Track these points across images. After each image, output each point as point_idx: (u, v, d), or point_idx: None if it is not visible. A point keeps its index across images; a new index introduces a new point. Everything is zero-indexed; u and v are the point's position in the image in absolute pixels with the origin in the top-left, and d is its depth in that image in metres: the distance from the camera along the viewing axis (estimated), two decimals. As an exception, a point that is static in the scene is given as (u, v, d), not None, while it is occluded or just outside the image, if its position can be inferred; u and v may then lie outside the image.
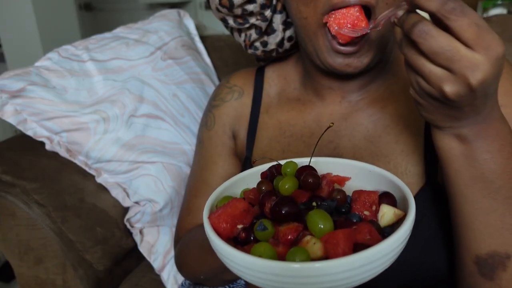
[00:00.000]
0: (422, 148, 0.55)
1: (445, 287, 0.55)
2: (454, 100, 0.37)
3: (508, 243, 0.43)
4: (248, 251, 0.34)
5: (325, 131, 0.47)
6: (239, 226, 0.38)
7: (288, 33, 0.66)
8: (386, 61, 0.60)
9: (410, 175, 0.54)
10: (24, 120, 0.75)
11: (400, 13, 0.38)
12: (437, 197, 0.53)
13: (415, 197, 0.53)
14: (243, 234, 0.37)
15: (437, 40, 0.34)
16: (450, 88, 0.36)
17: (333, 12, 0.49)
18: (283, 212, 0.36)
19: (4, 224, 0.73)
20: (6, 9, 2.01)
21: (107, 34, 0.95)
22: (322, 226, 0.34)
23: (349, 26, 0.48)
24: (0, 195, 0.72)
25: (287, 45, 0.68)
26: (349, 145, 0.59)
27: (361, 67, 0.53)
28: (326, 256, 0.33)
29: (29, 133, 0.76)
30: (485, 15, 1.56)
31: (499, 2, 1.54)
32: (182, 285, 0.76)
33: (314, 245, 0.33)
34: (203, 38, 1.13)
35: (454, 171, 0.43)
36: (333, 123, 0.45)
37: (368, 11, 0.49)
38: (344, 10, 0.48)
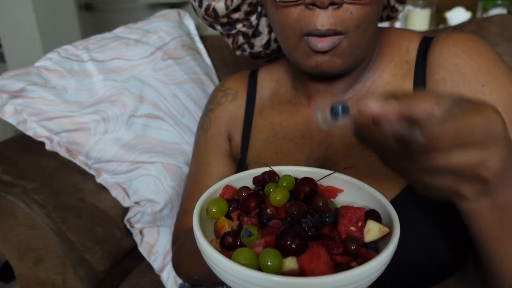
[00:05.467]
0: None
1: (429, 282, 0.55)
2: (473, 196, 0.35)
3: None
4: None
5: (344, 168, 0.49)
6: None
7: (274, 35, 0.66)
8: (368, 60, 0.60)
9: None
10: (24, 120, 0.75)
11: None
12: None
13: (403, 190, 0.53)
14: (230, 239, 0.38)
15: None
16: (467, 190, 0.34)
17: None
18: (293, 246, 0.36)
19: (4, 224, 0.73)
20: (6, 9, 2.01)
21: (107, 34, 0.95)
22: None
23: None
24: (0, 195, 0.72)
25: (274, 45, 0.69)
26: (340, 144, 0.60)
27: (336, 67, 0.53)
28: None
29: (29, 133, 0.76)
30: (485, 15, 1.56)
31: (499, 2, 1.54)
32: (181, 285, 0.76)
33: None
34: (203, 38, 1.13)
35: (484, 225, 0.40)
36: (353, 166, 0.47)
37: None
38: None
